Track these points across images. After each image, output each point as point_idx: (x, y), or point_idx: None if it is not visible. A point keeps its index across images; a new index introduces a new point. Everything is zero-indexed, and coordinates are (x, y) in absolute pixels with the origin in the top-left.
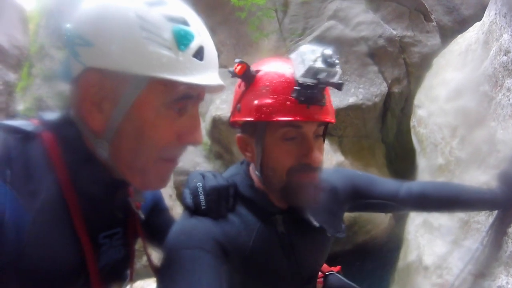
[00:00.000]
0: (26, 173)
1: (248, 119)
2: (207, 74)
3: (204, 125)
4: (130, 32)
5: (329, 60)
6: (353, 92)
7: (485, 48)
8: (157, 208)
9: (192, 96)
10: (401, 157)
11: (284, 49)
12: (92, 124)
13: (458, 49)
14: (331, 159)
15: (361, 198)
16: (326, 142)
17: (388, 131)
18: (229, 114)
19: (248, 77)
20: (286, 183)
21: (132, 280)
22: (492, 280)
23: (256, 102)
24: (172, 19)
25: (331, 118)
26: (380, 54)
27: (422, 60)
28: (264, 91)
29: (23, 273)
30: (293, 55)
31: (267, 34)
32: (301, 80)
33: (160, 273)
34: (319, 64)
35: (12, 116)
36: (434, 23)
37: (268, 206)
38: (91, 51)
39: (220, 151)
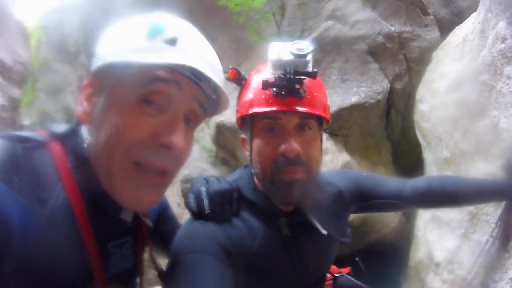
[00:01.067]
0: (35, 180)
1: (238, 116)
2: (178, 56)
3: (209, 132)
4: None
5: (295, 52)
6: (355, 91)
7: (482, 37)
8: (164, 216)
9: (164, 79)
10: (407, 153)
11: None
12: (80, 114)
13: (456, 41)
14: (337, 159)
15: (366, 199)
16: (332, 142)
17: (393, 128)
18: (232, 120)
19: (239, 81)
20: (270, 181)
21: None
22: (503, 272)
23: (243, 100)
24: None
25: (311, 110)
26: (380, 51)
27: (422, 55)
28: (249, 89)
29: (31, 280)
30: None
31: (266, 37)
32: (271, 73)
33: (165, 278)
34: (286, 56)
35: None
36: (432, 17)
37: (272, 209)
38: (95, 60)
39: (225, 157)
